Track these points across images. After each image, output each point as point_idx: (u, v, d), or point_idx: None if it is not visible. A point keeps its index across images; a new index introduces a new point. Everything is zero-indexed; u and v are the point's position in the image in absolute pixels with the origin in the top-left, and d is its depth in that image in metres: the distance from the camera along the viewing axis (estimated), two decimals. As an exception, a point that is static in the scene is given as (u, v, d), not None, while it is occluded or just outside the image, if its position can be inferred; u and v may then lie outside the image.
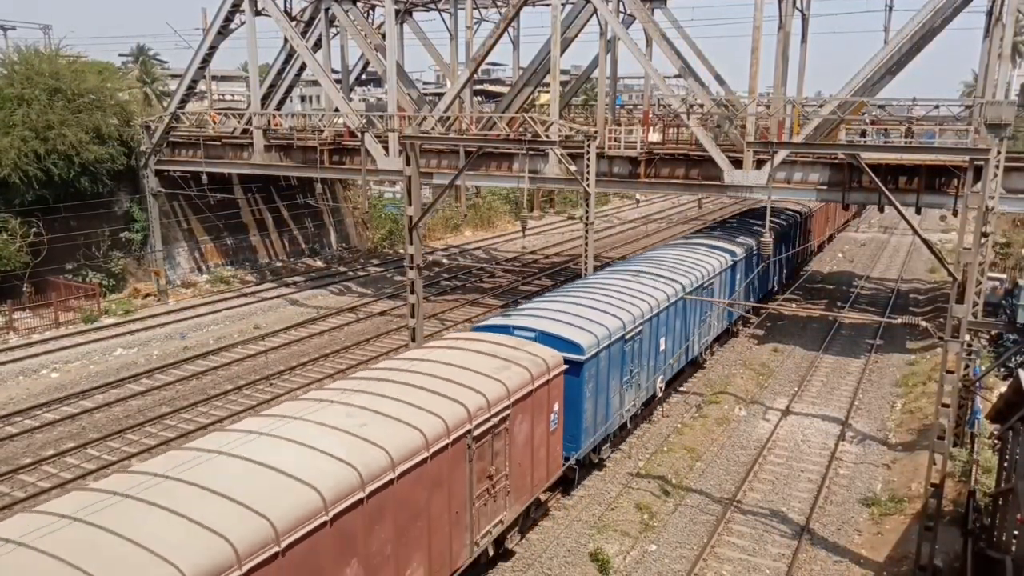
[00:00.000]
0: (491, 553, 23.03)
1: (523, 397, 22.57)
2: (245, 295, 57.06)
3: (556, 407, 24.91)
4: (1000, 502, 22.39)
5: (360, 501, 16.38)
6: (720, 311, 42.45)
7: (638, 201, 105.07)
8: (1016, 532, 18.73)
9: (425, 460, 18.40)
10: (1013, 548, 18.96)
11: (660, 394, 35.23)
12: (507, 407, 21.70)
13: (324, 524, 15.39)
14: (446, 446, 19.14)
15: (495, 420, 21.14)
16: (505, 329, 27.44)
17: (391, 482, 17.27)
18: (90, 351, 44.22)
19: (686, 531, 26.47)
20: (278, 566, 14.28)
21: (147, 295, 55.60)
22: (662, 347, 34.25)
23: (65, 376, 41.04)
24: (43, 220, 50.80)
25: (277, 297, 56.59)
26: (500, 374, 22.30)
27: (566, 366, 25.48)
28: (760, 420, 35.94)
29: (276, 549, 14.25)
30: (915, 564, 23.14)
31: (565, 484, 27.96)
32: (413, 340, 37.17)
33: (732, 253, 44.28)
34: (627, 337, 30.04)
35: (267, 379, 40.64)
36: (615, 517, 26.76)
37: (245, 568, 13.63)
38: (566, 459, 26.51)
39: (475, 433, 20.29)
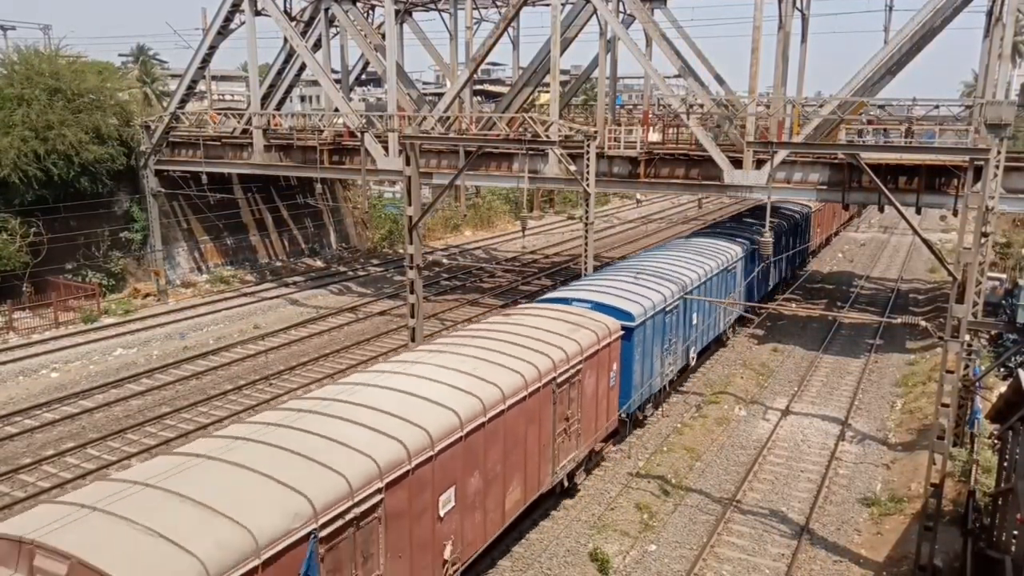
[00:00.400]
0: (565, 484, 27.12)
1: (592, 355, 26.86)
2: (245, 295, 57.06)
3: (615, 367, 29.32)
4: (1000, 502, 22.39)
5: (482, 424, 20.55)
6: (739, 291, 45.03)
7: (639, 201, 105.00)
8: (1016, 532, 18.73)
9: (525, 398, 22.60)
10: (1013, 548, 18.96)
11: (692, 363, 39.10)
12: (580, 362, 25.88)
13: (459, 439, 19.61)
14: (538, 388, 23.34)
15: (571, 372, 25.36)
16: (565, 301, 31.55)
17: (502, 412, 21.46)
18: (90, 351, 44.22)
19: (686, 531, 26.46)
20: (431, 466, 18.49)
21: (147, 295, 55.60)
22: (694, 321, 38.40)
23: (65, 376, 41.03)
24: (43, 220, 50.77)
25: (277, 297, 56.58)
26: (574, 335, 26.53)
27: (622, 331, 29.70)
28: (760, 420, 35.94)
29: (431, 453, 18.46)
30: (915, 564, 23.13)
31: (616, 436, 31.57)
32: (413, 340, 37.17)
33: (750, 241, 46.59)
34: (667, 310, 34.16)
35: (267, 379, 40.63)
36: (615, 517, 26.75)
37: (412, 464, 17.80)
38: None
39: (558, 380, 24.50)
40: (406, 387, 20.45)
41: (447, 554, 19.66)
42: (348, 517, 15.99)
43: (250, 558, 13.74)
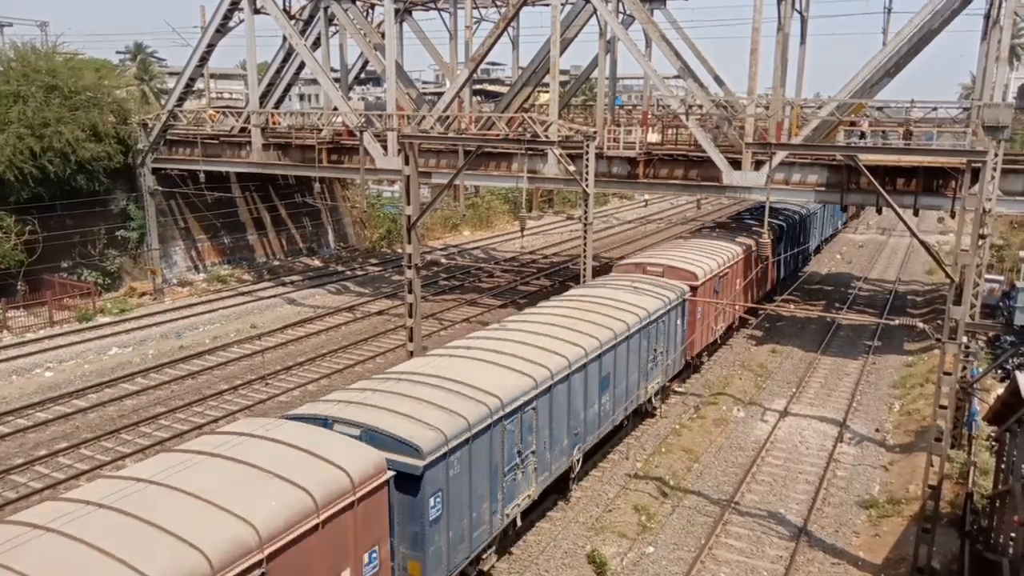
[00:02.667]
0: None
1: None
2: (242, 294, 56.95)
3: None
4: (997, 504, 22.35)
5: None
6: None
7: (647, 202, 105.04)
8: (1013, 534, 18.68)
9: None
10: (1010, 550, 18.90)
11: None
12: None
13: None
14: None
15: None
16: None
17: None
18: (85, 350, 44.10)
19: (684, 533, 26.40)
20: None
21: (143, 294, 55.48)
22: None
23: (59, 375, 40.91)
24: (38, 218, 50.63)
25: (274, 296, 56.46)
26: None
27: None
28: (758, 421, 35.89)
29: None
30: (913, 566, 23.08)
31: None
32: (411, 340, 37.04)
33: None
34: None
35: (263, 379, 40.52)
36: (613, 518, 26.68)
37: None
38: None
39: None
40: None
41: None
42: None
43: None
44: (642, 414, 34.71)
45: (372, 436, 18.80)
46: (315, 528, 15.74)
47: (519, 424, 22.86)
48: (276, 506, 15.28)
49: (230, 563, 14.05)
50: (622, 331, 29.52)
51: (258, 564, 14.48)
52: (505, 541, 24.26)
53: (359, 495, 16.89)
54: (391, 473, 17.98)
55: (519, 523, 24.22)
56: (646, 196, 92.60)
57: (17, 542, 13.88)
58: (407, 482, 18.56)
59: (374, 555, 17.69)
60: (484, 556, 22.36)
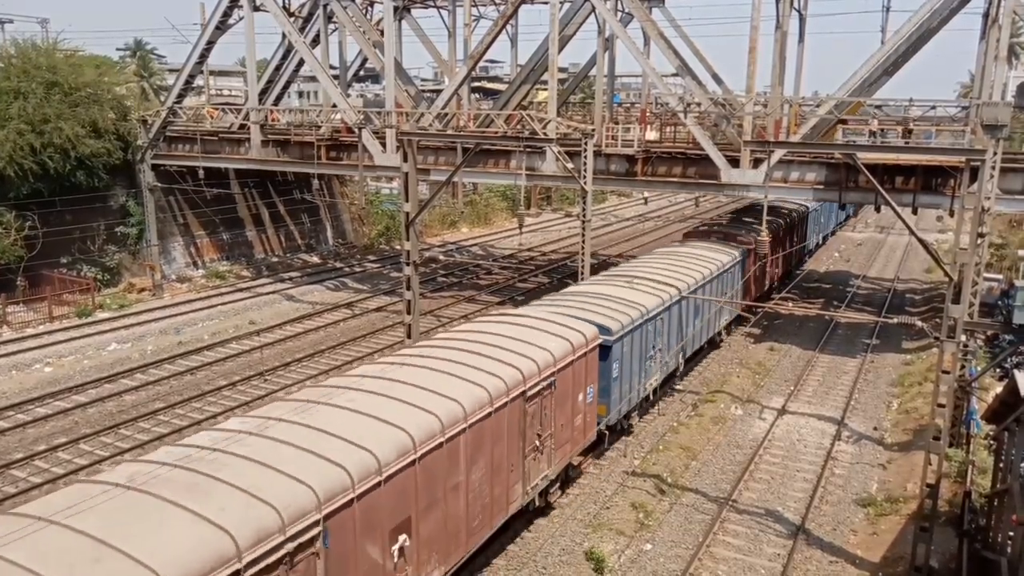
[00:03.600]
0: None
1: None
2: (241, 290, 57.00)
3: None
4: (996, 503, 22.40)
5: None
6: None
7: (646, 200, 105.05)
8: (1012, 533, 18.71)
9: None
10: (1008, 549, 18.94)
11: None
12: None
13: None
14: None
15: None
16: None
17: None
18: (84, 345, 44.14)
19: (681, 530, 26.44)
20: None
21: (142, 290, 55.51)
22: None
23: (58, 370, 40.95)
24: (38, 214, 50.68)
25: (273, 293, 56.51)
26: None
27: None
28: (756, 419, 35.93)
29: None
30: (911, 565, 23.13)
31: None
32: (409, 336, 37.12)
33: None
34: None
35: (261, 375, 40.57)
36: (610, 516, 26.73)
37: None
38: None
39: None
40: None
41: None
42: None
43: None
44: (715, 344, 44.99)
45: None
46: (570, 363, 25.48)
47: (655, 327, 33.65)
48: (556, 346, 25.09)
49: (545, 367, 23.92)
50: (707, 274, 40.00)
51: (551, 375, 24.23)
52: (642, 408, 34.68)
53: (589, 348, 27.01)
54: (600, 339, 28.22)
55: (651, 398, 35.10)
56: (646, 194, 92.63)
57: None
58: (601, 351, 28.42)
59: (591, 390, 27.72)
60: (632, 414, 33.33)
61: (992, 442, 28.32)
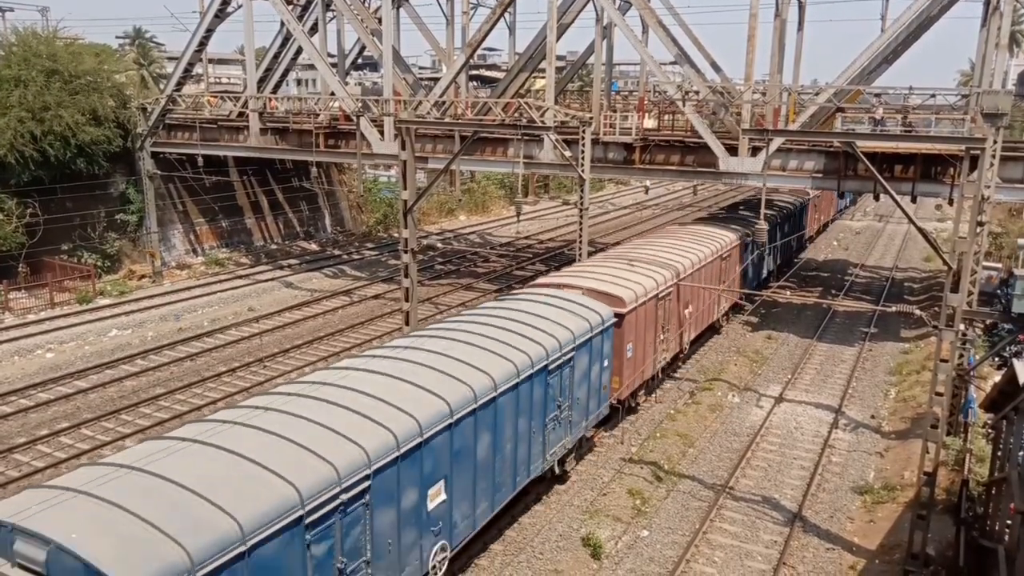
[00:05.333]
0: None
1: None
2: (240, 277, 57.07)
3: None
4: (993, 491, 22.48)
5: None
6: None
7: (647, 189, 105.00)
8: (1009, 521, 18.79)
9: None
10: (1006, 537, 19.03)
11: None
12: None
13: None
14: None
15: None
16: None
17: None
18: (85, 331, 44.22)
19: (678, 517, 26.56)
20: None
21: (142, 276, 55.60)
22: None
23: (60, 356, 41.04)
24: (39, 201, 50.74)
25: (271, 280, 56.59)
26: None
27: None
28: (753, 407, 36.03)
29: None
30: (907, 552, 23.20)
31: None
32: (407, 324, 37.20)
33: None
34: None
35: (261, 361, 40.66)
36: (607, 502, 26.84)
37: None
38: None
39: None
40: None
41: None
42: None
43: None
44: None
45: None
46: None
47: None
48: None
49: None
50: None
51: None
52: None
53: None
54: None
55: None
56: (648, 183, 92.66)
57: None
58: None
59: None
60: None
61: (990, 431, 28.43)
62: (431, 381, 20.22)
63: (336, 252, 67.62)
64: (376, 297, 53.18)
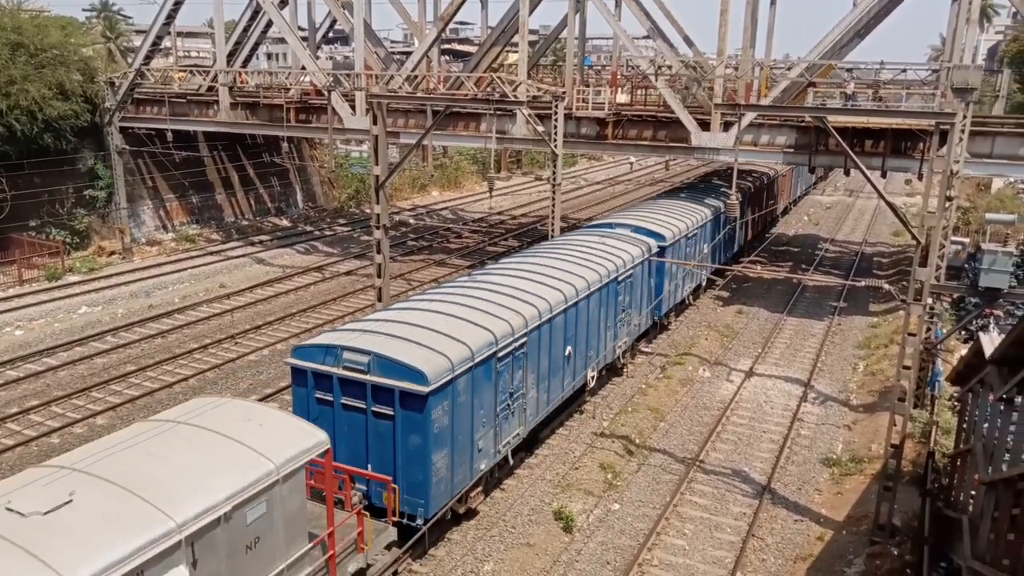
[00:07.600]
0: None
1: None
2: (211, 254, 56.76)
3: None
4: (958, 463, 22.74)
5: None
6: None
7: (631, 165, 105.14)
8: (973, 492, 19.02)
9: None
10: (970, 508, 19.26)
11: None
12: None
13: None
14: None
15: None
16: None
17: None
18: (54, 309, 43.91)
19: (649, 490, 26.74)
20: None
21: (112, 253, 55.15)
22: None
23: (29, 334, 40.73)
24: (6, 176, 50.17)
25: (243, 256, 56.34)
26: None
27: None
28: (724, 381, 36.26)
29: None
30: (874, 523, 23.51)
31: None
32: (379, 300, 37.12)
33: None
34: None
35: (232, 338, 40.52)
36: (579, 476, 26.97)
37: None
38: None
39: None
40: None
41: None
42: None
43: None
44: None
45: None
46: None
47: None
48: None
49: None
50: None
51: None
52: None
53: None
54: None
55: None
56: (632, 158, 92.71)
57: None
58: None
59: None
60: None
61: (956, 404, 28.72)
62: (552, 279, 28.79)
63: (308, 228, 67.38)
64: (348, 273, 53.07)
